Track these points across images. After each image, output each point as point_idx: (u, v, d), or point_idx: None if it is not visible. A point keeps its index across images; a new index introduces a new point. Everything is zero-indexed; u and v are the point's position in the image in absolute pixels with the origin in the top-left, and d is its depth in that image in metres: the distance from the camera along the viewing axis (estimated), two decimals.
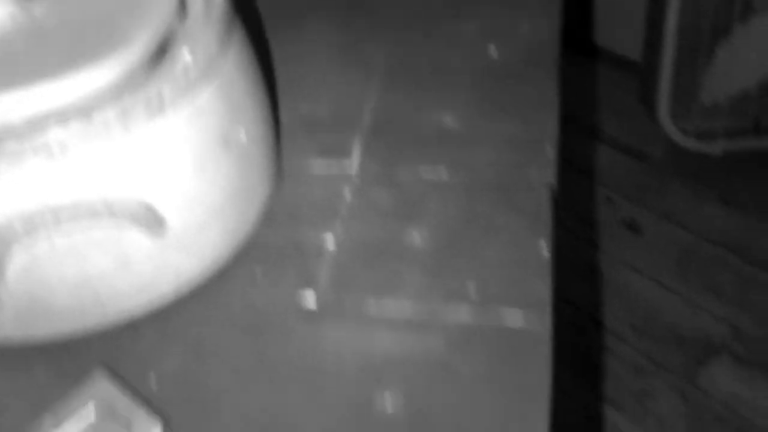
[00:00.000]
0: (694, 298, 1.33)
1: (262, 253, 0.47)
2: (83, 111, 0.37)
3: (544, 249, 0.43)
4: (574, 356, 1.27)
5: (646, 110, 1.58)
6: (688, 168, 1.55)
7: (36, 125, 0.37)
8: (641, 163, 1.59)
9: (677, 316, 1.30)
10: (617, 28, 1.75)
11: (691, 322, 1.29)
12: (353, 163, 0.51)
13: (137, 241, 0.41)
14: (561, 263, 1.42)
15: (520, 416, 0.37)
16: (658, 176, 1.55)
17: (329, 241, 0.47)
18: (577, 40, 1.76)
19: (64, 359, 0.42)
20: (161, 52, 0.41)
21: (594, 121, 1.68)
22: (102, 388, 0.40)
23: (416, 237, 0.47)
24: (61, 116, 0.37)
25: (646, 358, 1.26)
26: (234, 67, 0.43)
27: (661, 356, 1.25)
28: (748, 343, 1.26)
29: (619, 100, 1.71)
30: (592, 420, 1.19)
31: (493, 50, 0.54)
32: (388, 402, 0.39)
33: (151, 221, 0.41)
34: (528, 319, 0.40)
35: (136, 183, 0.40)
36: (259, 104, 0.47)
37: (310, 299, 0.44)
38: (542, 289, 0.42)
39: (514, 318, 0.40)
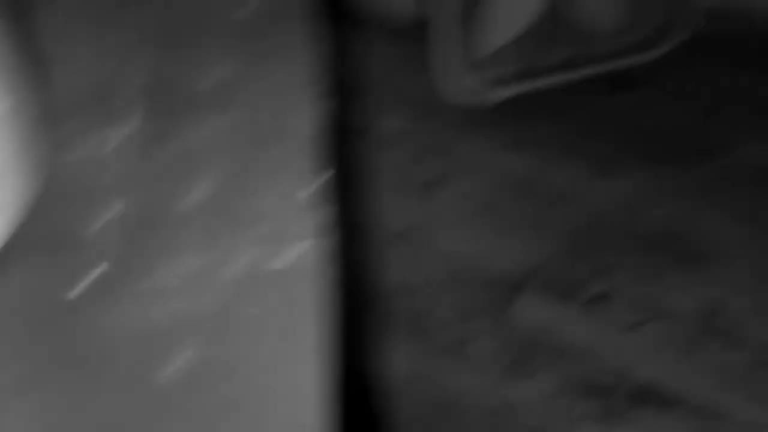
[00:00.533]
0: (495, 240, 1.41)
1: (39, 237, 0.45)
2: None
3: (319, 186, 0.46)
4: (396, 320, 1.33)
5: (428, 70, 1.65)
6: (477, 119, 1.64)
7: None
8: (433, 122, 1.66)
9: (483, 260, 1.39)
10: None
11: (496, 262, 1.38)
12: (131, 128, 0.51)
13: None
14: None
15: (303, 355, 0.39)
16: (451, 131, 1.63)
17: (111, 212, 0.46)
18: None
19: None
20: None
21: (381, 90, 1.74)
22: None
23: (199, 193, 0.47)
24: None
25: (459, 306, 1.33)
26: None
27: (472, 300, 1.33)
28: (548, 272, 1.35)
29: (401, 65, 1.79)
30: (415, 378, 1.26)
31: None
32: (180, 364, 0.39)
33: None
34: (308, 255, 0.42)
35: None
36: (15, 79, 0.45)
37: (81, 286, 0.43)
38: (315, 218, 0.44)
39: (293, 257, 0.42)
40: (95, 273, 0.43)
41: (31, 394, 0.38)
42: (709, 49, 1.68)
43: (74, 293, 0.42)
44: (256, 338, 0.40)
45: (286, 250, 0.43)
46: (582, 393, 1.19)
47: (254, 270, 0.42)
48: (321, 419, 0.35)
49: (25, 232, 0.44)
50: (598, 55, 1.63)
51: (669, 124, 1.56)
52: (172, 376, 0.38)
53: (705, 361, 1.20)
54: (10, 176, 0.43)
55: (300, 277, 0.42)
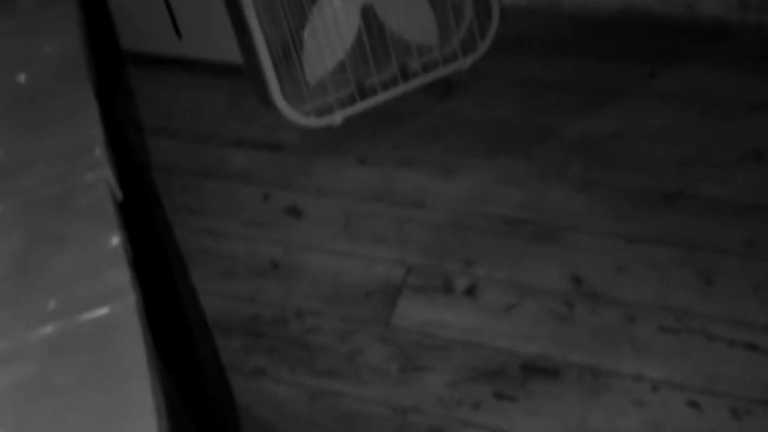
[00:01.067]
0: (364, 254, 1.43)
1: None
2: None
3: (114, 241, 0.45)
4: (285, 347, 1.32)
5: (264, 105, 1.67)
6: (321, 143, 1.66)
7: None
8: (279, 153, 1.67)
9: (356, 275, 1.40)
10: (201, 36, 1.82)
11: (369, 274, 1.40)
12: None
13: None
14: (241, 268, 1.44)
15: (125, 405, 0.38)
16: (299, 159, 1.65)
17: None
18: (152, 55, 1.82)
19: None
20: None
21: (210, 128, 1.73)
22: None
23: None
24: None
25: (344, 322, 1.34)
26: None
27: (355, 314, 1.34)
28: (420, 273, 1.39)
29: (238, 102, 1.79)
30: (315, 398, 1.24)
31: (22, 77, 0.54)
32: None
33: None
34: (114, 311, 0.41)
35: None
36: None
37: None
38: (121, 277, 0.43)
39: (100, 315, 0.41)
40: None
41: None
42: (518, 46, 1.81)
43: None
44: (74, 400, 0.38)
45: (86, 312, 0.42)
46: (474, 380, 1.23)
47: (60, 334, 0.41)
48: None
49: None
50: (420, 67, 1.70)
51: (500, 119, 1.66)
52: None
53: (581, 326, 1.28)
54: None
55: (107, 336, 0.41)
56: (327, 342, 1.31)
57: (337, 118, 1.66)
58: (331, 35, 1.60)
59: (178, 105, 1.85)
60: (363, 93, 1.67)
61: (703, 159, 1.50)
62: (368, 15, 1.63)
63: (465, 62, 1.73)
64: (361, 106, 1.67)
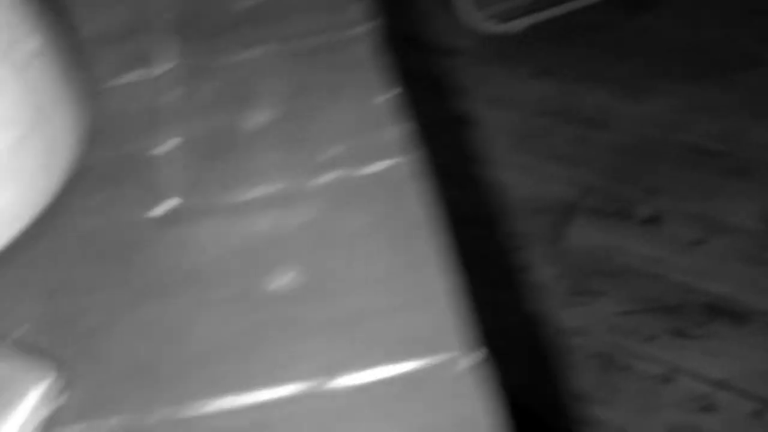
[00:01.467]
0: (538, 169, 1.36)
1: (96, 174, 0.41)
2: None
3: (387, 94, 0.40)
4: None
5: (447, 8, 1.59)
6: (499, 51, 1.58)
7: None
8: (457, 58, 1.60)
9: (529, 190, 1.33)
10: None
11: (542, 191, 1.33)
12: (171, 63, 0.46)
13: None
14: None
15: (413, 255, 0.34)
16: (473, 65, 1.57)
17: (166, 145, 0.42)
18: None
19: None
20: None
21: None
22: None
23: (258, 118, 0.42)
24: None
25: (512, 236, 1.28)
26: None
27: (524, 230, 1.28)
28: (597, 196, 1.31)
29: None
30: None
31: None
32: (281, 278, 0.34)
33: None
34: (398, 165, 0.37)
35: None
36: (40, 20, 0.41)
37: (162, 208, 0.39)
38: (397, 132, 0.39)
39: (383, 168, 0.37)
40: (173, 193, 0.39)
41: (138, 311, 0.35)
42: None
43: (157, 213, 0.39)
44: (362, 250, 0.34)
45: (370, 164, 0.38)
46: (649, 313, 1.15)
47: (343, 182, 0.37)
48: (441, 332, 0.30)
49: (92, 161, 0.41)
50: None
51: (696, 41, 1.52)
52: (278, 290, 0.34)
53: None
54: (61, 108, 0.40)
55: (392, 190, 0.37)
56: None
57: (518, 25, 1.57)
58: None
59: None
60: (548, 0, 1.56)
61: None
62: None
63: None
64: (544, 14, 1.57)
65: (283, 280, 0.34)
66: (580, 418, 1.07)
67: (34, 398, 0.31)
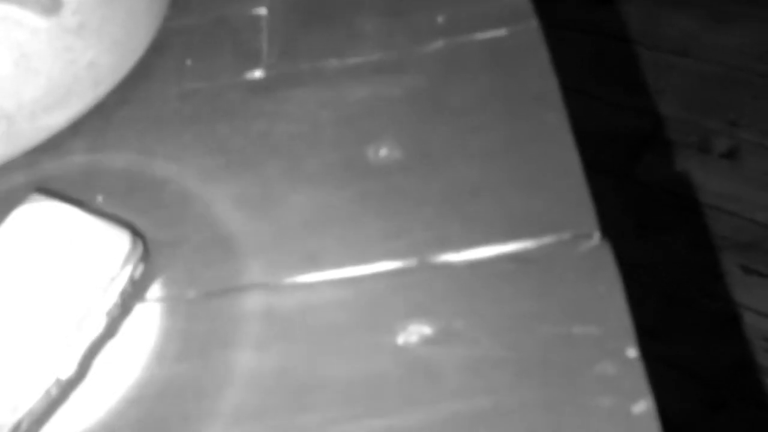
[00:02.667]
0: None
1: (186, 37, 0.39)
2: None
3: None
4: None
5: None
6: None
7: None
8: None
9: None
10: None
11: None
12: None
13: (33, 30, 0.32)
14: None
15: (537, 133, 0.31)
16: None
17: (260, 9, 0.39)
18: None
19: None
20: None
21: None
22: (48, 206, 0.32)
23: None
24: None
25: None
26: None
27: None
28: (674, 127, 1.26)
29: None
30: None
31: None
32: (383, 149, 0.32)
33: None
34: (514, 33, 0.34)
35: None
36: None
37: (256, 74, 0.37)
38: (521, 3, 0.36)
39: (498, 36, 0.34)
40: (268, 59, 0.37)
41: (228, 181, 0.33)
42: None
43: (250, 79, 0.37)
44: (473, 122, 0.31)
45: (483, 31, 0.34)
46: (722, 249, 1.11)
47: (452, 51, 0.34)
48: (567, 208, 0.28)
49: (186, 24, 0.39)
50: None
51: None
52: (381, 161, 0.32)
53: None
54: None
55: (507, 59, 0.33)
56: None
57: None
58: None
59: None
60: None
61: None
62: None
63: None
64: None
65: (384, 151, 0.32)
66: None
67: (120, 257, 0.30)
